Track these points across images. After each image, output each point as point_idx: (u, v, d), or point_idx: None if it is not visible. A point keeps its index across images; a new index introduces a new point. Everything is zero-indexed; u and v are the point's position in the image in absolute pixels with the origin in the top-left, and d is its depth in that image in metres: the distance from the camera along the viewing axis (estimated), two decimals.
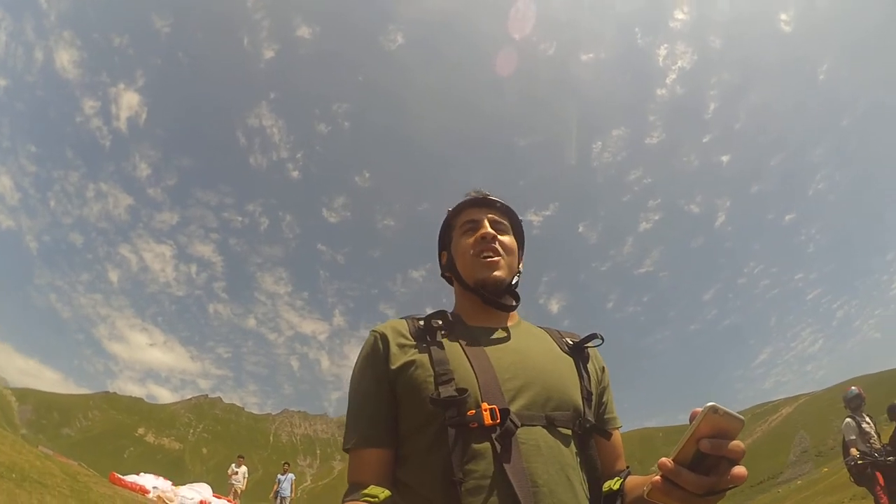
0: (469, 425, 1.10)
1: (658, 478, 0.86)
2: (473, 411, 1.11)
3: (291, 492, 16.56)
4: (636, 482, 1.21)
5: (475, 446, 1.09)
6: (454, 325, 1.31)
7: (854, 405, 7.17)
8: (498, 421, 1.09)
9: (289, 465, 17.63)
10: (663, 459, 0.85)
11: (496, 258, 1.36)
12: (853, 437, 6.92)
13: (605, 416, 1.36)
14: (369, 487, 1.11)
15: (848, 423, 7.07)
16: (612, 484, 1.23)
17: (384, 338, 1.29)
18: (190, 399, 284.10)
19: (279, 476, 16.70)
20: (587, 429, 1.23)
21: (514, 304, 1.40)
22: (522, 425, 1.12)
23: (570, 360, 1.33)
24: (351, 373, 1.33)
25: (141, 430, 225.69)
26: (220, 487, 17.78)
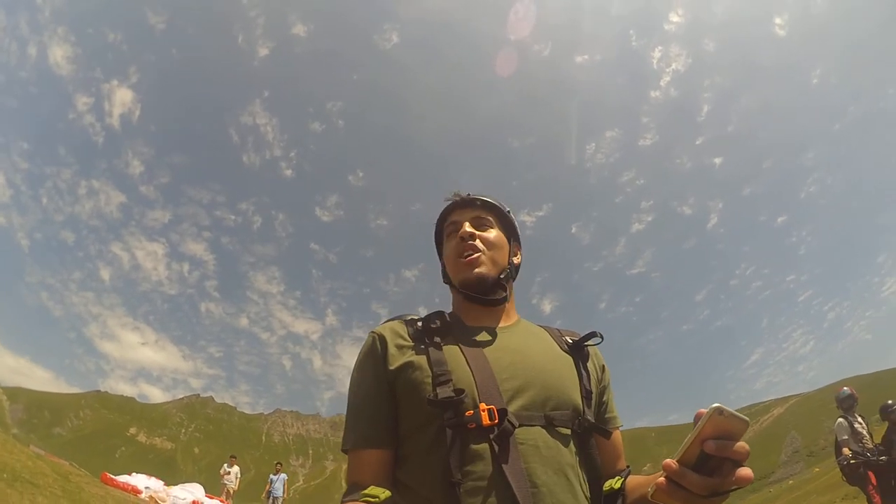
0: (467, 426, 1.09)
1: (662, 479, 0.86)
2: (471, 412, 1.10)
3: (284, 492, 16.53)
4: (637, 482, 1.21)
5: (473, 447, 1.09)
6: (452, 326, 1.30)
7: (846, 405, 7.22)
8: (496, 421, 1.09)
9: (281, 465, 17.61)
10: (668, 461, 0.84)
11: (475, 255, 1.35)
12: (845, 437, 6.97)
13: (606, 416, 1.36)
14: (370, 488, 1.11)
15: (840, 423, 7.12)
16: (614, 483, 1.22)
17: (382, 339, 1.28)
18: (182, 398, 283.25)
19: (272, 476, 16.68)
20: (587, 428, 1.22)
21: (503, 296, 1.38)
22: (521, 425, 1.11)
23: (570, 358, 1.32)
24: (350, 374, 1.32)
25: (133, 430, 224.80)
26: (213, 487, 17.73)
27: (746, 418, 0.82)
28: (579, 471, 1.18)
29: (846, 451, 6.86)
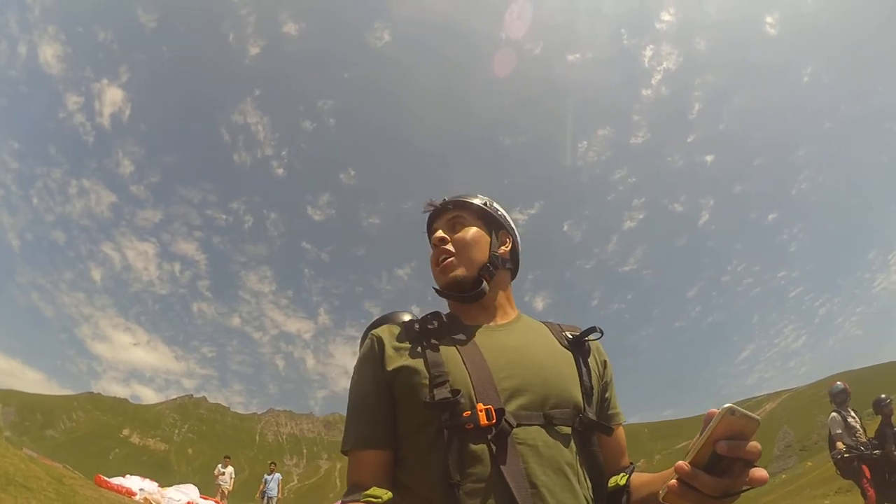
0: (465, 427, 1.09)
1: (674, 481, 0.84)
2: (469, 412, 1.09)
3: (278, 491, 16.52)
4: (643, 480, 1.20)
5: (472, 448, 1.08)
6: (449, 326, 1.29)
7: (839, 400, 7.28)
8: (494, 421, 1.08)
9: (275, 464, 17.62)
10: (680, 463, 0.84)
11: (448, 260, 1.35)
12: (839, 432, 7.03)
13: (609, 412, 1.34)
14: (371, 489, 1.10)
15: (834, 417, 7.19)
16: (619, 479, 1.21)
17: (380, 340, 1.28)
18: (175, 399, 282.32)
19: (266, 476, 16.68)
20: (588, 426, 1.21)
21: (480, 289, 1.34)
22: (519, 425, 1.11)
23: (570, 354, 1.30)
24: (346, 374, 1.32)
25: (126, 431, 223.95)
26: (207, 488, 17.66)
27: (758, 417, 0.82)
28: (580, 469, 1.17)
29: (840, 445, 6.92)
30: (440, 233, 1.39)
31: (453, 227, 1.41)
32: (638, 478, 1.22)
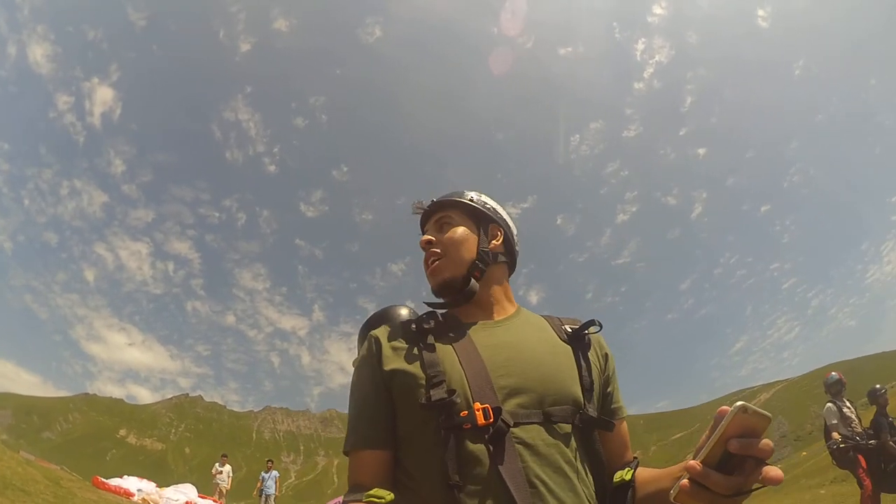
0: (462, 427, 1.08)
1: (685, 481, 0.83)
2: (466, 412, 1.09)
3: (276, 489, 16.54)
4: (650, 475, 1.19)
5: (471, 448, 1.07)
6: (446, 325, 1.28)
7: (835, 390, 7.31)
8: (492, 420, 1.08)
9: (272, 462, 17.65)
10: (692, 462, 0.83)
11: (435, 263, 1.35)
12: (835, 422, 7.06)
13: (612, 407, 1.33)
14: (374, 489, 1.09)
15: (829, 407, 7.21)
16: (624, 474, 1.20)
17: (377, 341, 1.28)
18: (171, 398, 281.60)
19: (263, 474, 16.72)
20: (588, 423, 1.20)
21: (468, 287, 1.33)
22: (518, 424, 1.10)
23: (569, 349, 1.28)
24: (341, 372, 1.31)
25: (122, 432, 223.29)
26: (205, 487, 17.68)
27: (769, 414, 0.81)
28: (581, 467, 1.16)
29: (836, 435, 6.94)
30: (426, 235, 1.39)
31: (441, 228, 1.40)
32: (643, 472, 1.22)
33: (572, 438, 1.17)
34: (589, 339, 1.32)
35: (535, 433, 1.11)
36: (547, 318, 1.40)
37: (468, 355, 1.19)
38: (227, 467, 16.74)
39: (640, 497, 1.17)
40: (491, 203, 1.46)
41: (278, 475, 16.89)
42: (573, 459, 1.14)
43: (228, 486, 16.63)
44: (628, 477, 1.19)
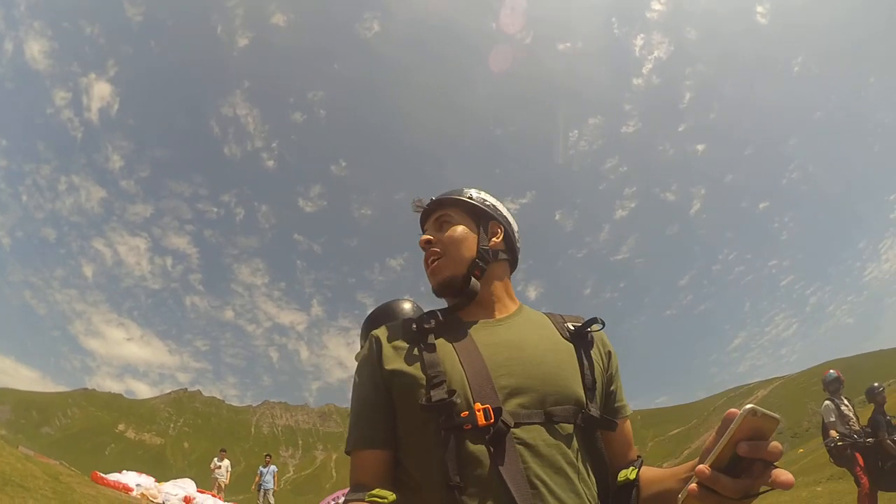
0: (463, 427, 1.07)
1: (694, 485, 0.83)
2: (466, 413, 1.08)
3: (274, 483, 16.57)
4: (655, 475, 1.17)
5: (471, 449, 1.06)
6: (447, 324, 1.27)
7: (833, 388, 7.30)
8: (492, 421, 1.06)
9: (271, 456, 17.69)
10: (701, 466, 0.82)
11: (435, 262, 1.34)
12: (832, 420, 7.04)
13: (615, 405, 1.31)
14: (376, 490, 1.09)
15: (827, 405, 7.20)
16: (629, 473, 1.19)
17: (378, 341, 1.27)
18: (169, 393, 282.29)
19: (261, 468, 16.75)
20: (590, 422, 1.18)
21: (469, 286, 1.32)
22: (518, 424, 1.09)
23: (571, 347, 1.27)
24: (343, 370, 1.30)
25: (121, 427, 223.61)
26: (204, 482, 17.70)
27: (778, 416, 0.81)
28: (583, 467, 1.14)
29: (833, 433, 6.93)
30: (426, 235, 1.38)
31: (440, 227, 1.39)
32: (647, 472, 1.20)
33: (574, 438, 1.15)
34: (591, 337, 1.31)
35: (536, 433, 1.10)
36: (549, 315, 1.38)
37: (469, 355, 1.18)
38: (226, 462, 16.77)
39: (645, 497, 1.16)
40: (491, 200, 1.44)
41: (276, 470, 16.93)
42: (575, 460, 1.13)
43: (227, 481, 16.65)
44: (633, 476, 1.18)
